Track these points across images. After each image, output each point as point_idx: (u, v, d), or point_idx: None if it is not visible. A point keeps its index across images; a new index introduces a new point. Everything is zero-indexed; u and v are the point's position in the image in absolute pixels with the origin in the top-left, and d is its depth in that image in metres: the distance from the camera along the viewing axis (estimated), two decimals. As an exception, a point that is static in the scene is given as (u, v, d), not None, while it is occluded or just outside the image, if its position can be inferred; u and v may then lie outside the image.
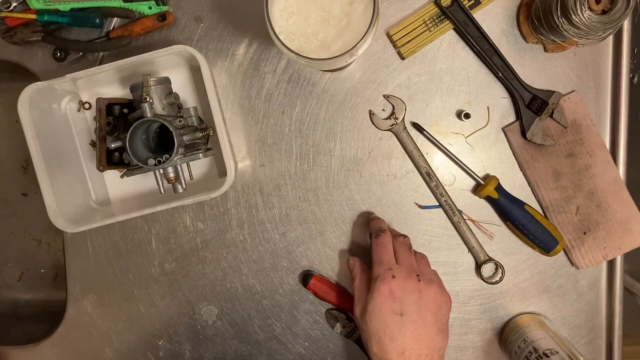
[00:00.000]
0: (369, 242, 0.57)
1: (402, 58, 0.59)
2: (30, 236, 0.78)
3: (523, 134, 0.58)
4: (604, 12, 0.50)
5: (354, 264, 0.57)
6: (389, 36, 0.58)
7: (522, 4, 0.58)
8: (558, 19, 0.51)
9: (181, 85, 0.60)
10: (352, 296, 0.56)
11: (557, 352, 0.52)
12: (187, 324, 0.63)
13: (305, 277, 0.61)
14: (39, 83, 0.54)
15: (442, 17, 0.57)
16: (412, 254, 0.55)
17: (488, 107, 0.59)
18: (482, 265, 0.60)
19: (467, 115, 0.59)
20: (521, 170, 0.60)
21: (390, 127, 0.60)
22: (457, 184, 0.60)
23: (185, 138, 0.54)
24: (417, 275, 0.52)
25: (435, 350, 0.50)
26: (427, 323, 0.50)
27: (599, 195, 0.59)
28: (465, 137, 0.60)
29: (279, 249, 0.62)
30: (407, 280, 0.51)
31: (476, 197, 0.60)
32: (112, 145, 0.55)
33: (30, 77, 0.62)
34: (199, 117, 0.59)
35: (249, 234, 0.62)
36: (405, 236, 0.57)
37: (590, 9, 0.50)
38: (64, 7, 0.57)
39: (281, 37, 0.45)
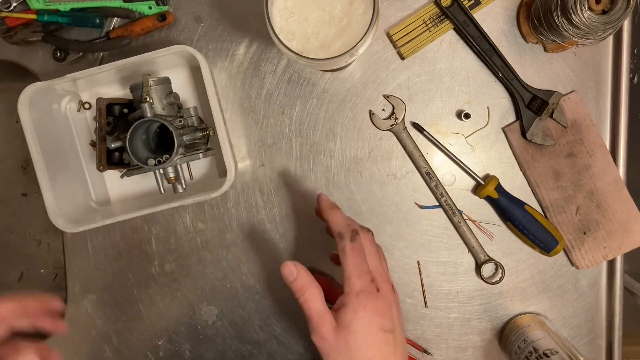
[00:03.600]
0: (337, 243, 0.46)
1: (402, 58, 0.59)
2: (30, 236, 0.78)
3: (523, 134, 0.58)
4: (604, 12, 0.50)
5: (296, 272, 0.44)
6: (389, 36, 0.58)
7: (522, 4, 0.58)
8: (558, 19, 0.51)
9: (181, 85, 0.60)
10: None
11: (557, 352, 0.52)
12: (187, 324, 0.63)
13: (305, 277, 0.61)
14: (39, 83, 0.54)
15: (442, 17, 0.57)
16: (379, 256, 0.48)
17: (488, 107, 0.59)
18: (482, 265, 0.60)
19: (467, 115, 0.59)
20: (521, 170, 0.60)
21: (390, 127, 0.60)
22: (457, 184, 0.60)
23: (185, 138, 0.54)
24: (392, 285, 0.47)
25: None
26: (404, 336, 0.47)
27: (599, 195, 0.59)
28: (465, 137, 0.60)
29: (279, 249, 0.62)
30: (387, 292, 0.45)
31: (476, 197, 0.60)
32: (112, 145, 0.55)
33: (30, 77, 0.62)
34: (199, 117, 0.59)
35: (249, 234, 0.62)
36: (371, 231, 0.49)
37: (590, 9, 0.50)
38: (64, 7, 0.57)
39: (281, 37, 0.45)
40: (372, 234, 0.49)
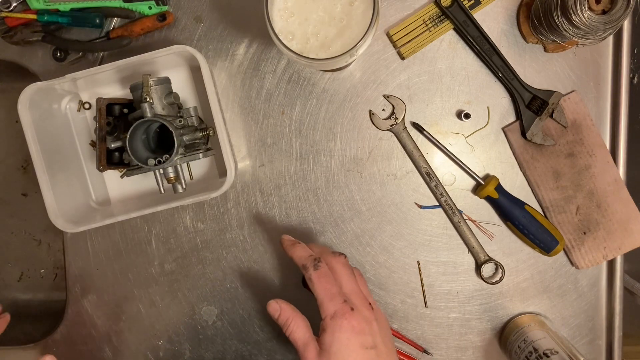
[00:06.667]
0: (305, 275, 0.48)
1: (402, 58, 0.59)
2: (30, 236, 0.78)
3: (523, 134, 0.58)
4: (604, 12, 0.50)
5: (279, 308, 0.48)
6: (389, 36, 0.58)
7: (522, 4, 0.58)
8: (558, 19, 0.51)
9: (181, 85, 0.60)
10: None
11: (557, 352, 0.52)
12: (187, 324, 0.63)
13: (305, 277, 0.61)
14: (39, 83, 0.54)
15: (442, 17, 0.57)
16: (354, 276, 0.50)
17: (488, 107, 0.59)
18: (482, 265, 0.60)
19: (467, 115, 0.59)
20: (521, 170, 0.60)
21: (390, 127, 0.60)
22: (457, 184, 0.60)
23: (185, 138, 0.54)
24: (370, 303, 0.48)
25: None
26: (391, 350, 0.48)
27: (599, 195, 0.59)
28: (465, 137, 0.60)
29: (278, 249, 0.62)
30: (363, 310, 0.47)
31: (476, 197, 0.60)
32: (112, 145, 0.55)
33: (30, 77, 0.62)
34: (199, 117, 0.59)
35: (248, 234, 0.62)
36: (343, 254, 0.51)
37: (590, 9, 0.50)
38: (64, 7, 0.57)
39: (281, 37, 0.45)
40: (345, 257, 0.51)
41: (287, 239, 0.52)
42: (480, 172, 0.60)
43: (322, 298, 0.46)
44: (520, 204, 0.58)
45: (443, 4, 0.56)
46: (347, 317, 0.45)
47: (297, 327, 0.47)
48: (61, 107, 0.59)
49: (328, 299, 0.46)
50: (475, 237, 0.60)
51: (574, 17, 0.49)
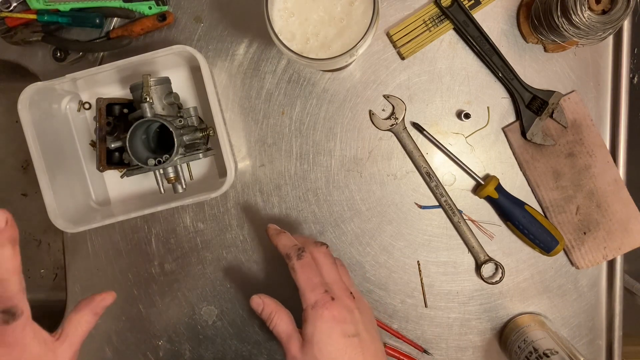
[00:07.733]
0: (289, 264, 0.48)
1: (402, 58, 0.59)
2: (30, 236, 0.78)
3: (523, 134, 0.58)
4: (604, 12, 0.50)
5: (262, 303, 0.48)
6: (389, 36, 0.58)
7: (522, 4, 0.58)
8: (558, 19, 0.51)
9: (181, 85, 0.60)
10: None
11: (557, 352, 0.52)
12: (187, 324, 0.63)
13: (305, 277, 0.61)
14: (39, 83, 0.54)
15: (442, 17, 0.57)
16: (336, 266, 0.50)
17: (488, 107, 0.59)
18: (482, 265, 0.60)
19: (467, 115, 0.59)
20: (521, 170, 0.60)
21: (390, 127, 0.60)
22: (457, 184, 0.60)
23: (185, 138, 0.54)
24: (351, 293, 0.48)
25: None
26: (375, 338, 0.48)
27: (599, 195, 0.59)
28: (465, 137, 0.60)
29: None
30: (344, 299, 0.47)
31: (476, 197, 0.60)
32: (112, 145, 0.55)
33: (30, 77, 0.62)
34: (199, 117, 0.59)
35: (248, 234, 0.62)
36: (325, 244, 0.51)
37: (590, 9, 0.50)
38: (64, 7, 0.57)
39: (281, 37, 0.45)
40: (327, 247, 0.51)
41: (272, 228, 0.52)
42: (480, 172, 0.60)
43: (304, 288, 0.46)
44: (520, 204, 0.58)
45: (443, 4, 0.56)
46: (328, 306, 0.45)
47: (280, 321, 0.47)
48: (61, 107, 0.59)
49: (310, 289, 0.46)
50: (475, 237, 0.60)
51: (574, 17, 0.49)
